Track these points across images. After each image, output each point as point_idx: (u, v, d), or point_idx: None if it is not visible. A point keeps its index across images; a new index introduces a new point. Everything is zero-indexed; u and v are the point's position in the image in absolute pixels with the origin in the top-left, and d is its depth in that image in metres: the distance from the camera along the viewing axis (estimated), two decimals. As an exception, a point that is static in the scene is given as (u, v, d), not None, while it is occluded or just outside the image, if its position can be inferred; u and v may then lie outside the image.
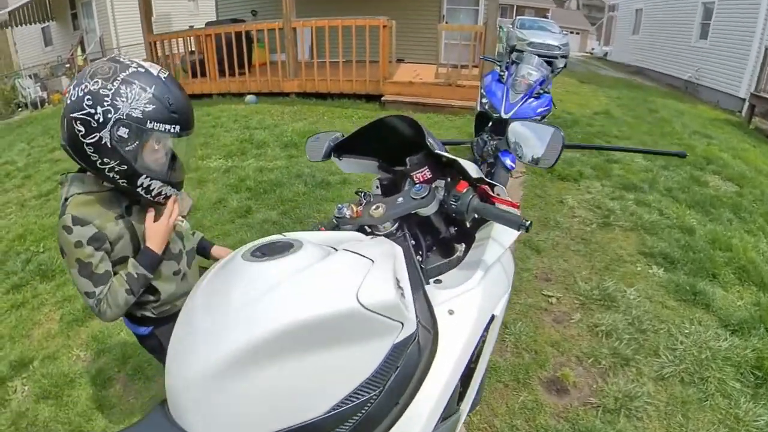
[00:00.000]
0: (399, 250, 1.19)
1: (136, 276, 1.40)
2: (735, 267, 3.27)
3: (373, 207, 1.28)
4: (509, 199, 1.36)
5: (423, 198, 1.22)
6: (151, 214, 1.43)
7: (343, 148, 1.51)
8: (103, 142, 1.22)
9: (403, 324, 0.98)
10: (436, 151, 1.22)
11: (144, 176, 1.32)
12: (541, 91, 3.50)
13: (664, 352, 2.51)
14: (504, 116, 3.35)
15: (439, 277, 1.27)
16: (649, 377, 2.39)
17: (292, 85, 7.83)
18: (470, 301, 1.22)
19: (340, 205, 1.34)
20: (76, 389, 2.47)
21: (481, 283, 1.24)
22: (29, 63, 15.99)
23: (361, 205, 1.34)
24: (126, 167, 1.28)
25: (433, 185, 1.28)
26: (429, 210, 1.26)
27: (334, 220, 1.35)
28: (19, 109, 12.52)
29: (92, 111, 1.19)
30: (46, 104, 12.43)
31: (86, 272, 1.31)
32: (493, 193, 1.42)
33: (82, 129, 1.21)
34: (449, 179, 1.32)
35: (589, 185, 4.44)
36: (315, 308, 0.88)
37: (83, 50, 15.63)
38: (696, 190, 4.45)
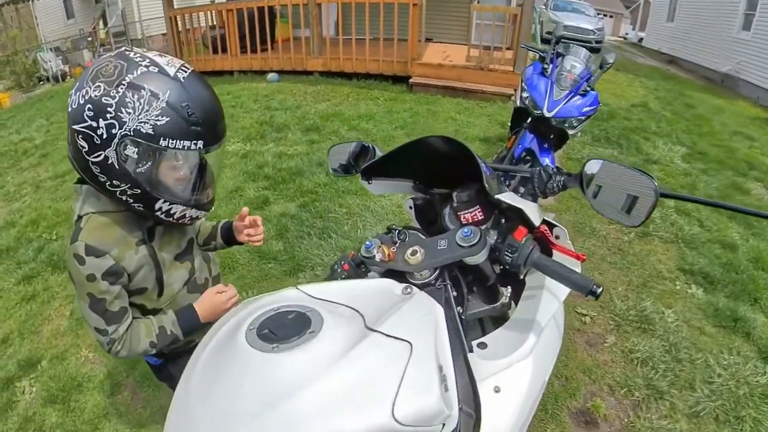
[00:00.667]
0: (440, 313, 1.03)
1: (168, 333, 1.28)
2: None
3: (410, 251, 1.10)
4: (571, 248, 1.17)
5: (472, 246, 1.05)
6: (217, 289, 1.37)
7: (373, 169, 1.32)
8: (109, 162, 1.05)
9: (444, 424, 0.83)
10: (495, 196, 1.03)
11: (162, 201, 1.14)
12: (588, 88, 3.20)
13: (700, 386, 2.38)
14: (547, 114, 3.11)
15: (484, 340, 1.10)
16: (683, 413, 2.27)
17: (315, 63, 7.59)
18: (520, 374, 1.06)
19: (369, 242, 1.17)
20: (84, 394, 2.41)
21: (533, 350, 1.09)
22: (51, 36, 15.81)
23: (394, 245, 1.16)
24: (139, 191, 1.10)
25: (484, 227, 1.10)
26: (478, 259, 1.08)
27: (360, 256, 1.18)
28: (41, 82, 12.42)
29: (94, 124, 1.01)
30: (68, 78, 12.32)
31: (99, 309, 1.16)
32: (553, 235, 1.24)
33: (85, 145, 1.04)
34: (503, 220, 1.14)
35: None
36: (342, 428, 0.72)
37: (105, 23, 15.45)
38: (738, 200, 4.20)
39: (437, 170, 1.26)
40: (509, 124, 3.90)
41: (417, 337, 0.90)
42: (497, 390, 1.02)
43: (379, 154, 1.42)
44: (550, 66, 3.29)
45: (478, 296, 1.17)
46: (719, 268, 3.25)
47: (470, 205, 1.13)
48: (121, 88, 1.00)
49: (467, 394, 0.98)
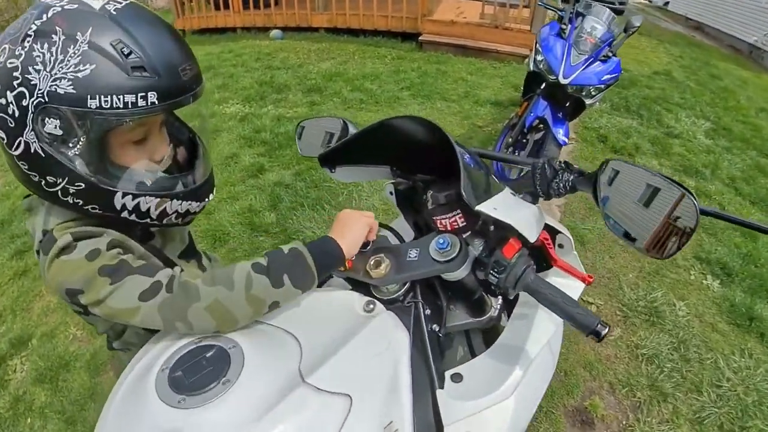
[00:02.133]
0: (403, 345, 0.86)
1: (287, 253, 0.84)
2: None
3: (372, 261, 0.93)
4: (577, 262, 0.97)
5: (449, 261, 0.87)
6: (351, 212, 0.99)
7: (335, 156, 1.12)
8: (32, 151, 0.77)
9: None
10: (477, 207, 0.82)
11: (121, 193, 0.82)
12: (610, 54, 2.89)
13: (707, 389, 2.24)
14: (562, 81, 2.82)
15: (460, 370, 0.93)
16: (686, 418, 2.13)
17: (321, 19, 7.18)
18: (498, 418, 0.89)
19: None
20: (71, 373, 2.36)
21: (517, 389, 0.91)
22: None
23: (362, 248, 0.98)
24: (83, 185, 0.79)
25: (464, 238, 0.90)
26: (457, 275, 0.90)
27: None
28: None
29: (2, 101, 0.75)
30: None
31: (125, 271, 0.79)
32: (555, 244, 1.04)
33: (3, 135, 0.78)
34: (492, 227, 0.93)
35: (646, 163, 3.91)
36: None
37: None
38: (761, 184, 3.92)
39: (415, 155, 1.05)
40: (522, 88, 3.62)
41: (362, 387, 0.73)
42: None
43: (352, 131, 1.19)
44: (569, 27, 2.97)
45: (462, 306, 0.99)
46: (738, 259, 3.04)
47: (448, 208, 0.93)
48: (27, 41, 0.73)
49: None
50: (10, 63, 0.74)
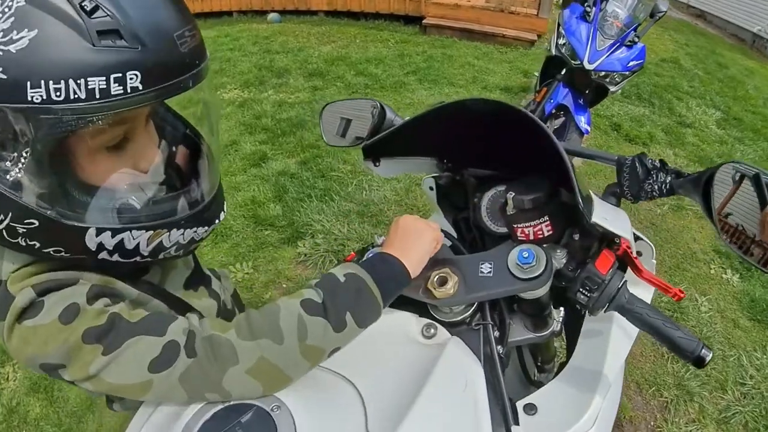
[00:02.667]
0: (480, 382, 0.74)
1: (344, 282, 0.66)
2: None
3: (437, 277, 0.79)
4: (663, 281, 0.85)
5: (534, 279, 0.74)
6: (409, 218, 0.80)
7: (380, 149, 0.97)
8: None
9: None
10: (593, 220, 0.69)
11: (95, 230, 0.57)
12: (636, 39, 2.76)
13: (731, 388, 2.20)
14: (588, 66, 2.69)
15: (533, 401, 0.82)
16: (712, 418, 2.09)
17: (320, 2, 6.94)
18: None
19: (372, 253, 0.85)
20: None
21: (598, 418, 0.81)
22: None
23: None
24: (35, 221, 0.54)
25: (549, 251, 0.78)
26: (538, 293, 0.78)
27: None
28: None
29: None
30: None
31: (122, 333, 0.57)
32: (633, 251, 0.92)
33: None
34: (577, 238, 0.80)
35: (660, 153, 3.83)
36: None
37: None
38: None
39: (479, 145, 0.92)
40: (536, 74, 3.46)
41: None
42: None
43: (391, 117, 1.03)
44: (593, 9, 2.82)
45: (522, 320, 0.87)
46: (757, 251, 2.95)
47: (534, 215, 0.79)
48: None
49: None
50: None
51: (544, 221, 0.77)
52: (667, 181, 0.81)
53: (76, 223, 0.56)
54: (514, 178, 0.85)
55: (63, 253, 0.58)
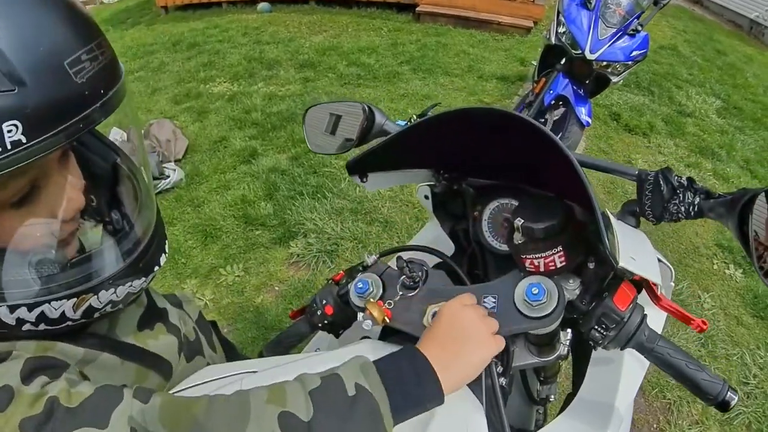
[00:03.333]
0: (481, 427, 0.66)
1: (351, 396, 0.53)
2: None
3: (433, 311, 0.71)
4: (683, 310, 0.77)
5: (543, 318, 0.66)
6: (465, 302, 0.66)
7: (368, 163, 0.88)
8: None
9: None
10: (622, 264, 0.60)
11: (7, 308, 0.49)
12: (639, 28, 2.66)
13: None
14: (589, 56, 2.60)
15: None
16: (715, 419, 2.07)
17: (311, -11, 6.81)
18: None
19: (361, 282, 0.77)
20: None
21: None
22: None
23: (407, 290, 0.75)
24: None
25: (560, 283, 0.69)
26: (545, 330, 0.71)
27: (352, 298, 0.78)
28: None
29: None
30: None
31: (60, 424, 0.47)
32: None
33: None
34: (592, 267, 0.71)
35: (661, 143, 3.77)
36: None
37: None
38: None
39: (478, 155, 0.83)
40: (533, 62, 3.36)
41: None
42: None
43: (380, 121, 0.94)
44: None
45: (525, 345, 0.80)
46: (759, 247, 2.91)
47: (546, 245, 0.69)
48: None
49: None
50: None
51: (557, 252, 0.68)
52: (696, 202, 0.71)
53: None
54: (519, 191, 0.76)
55: None
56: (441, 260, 0.89)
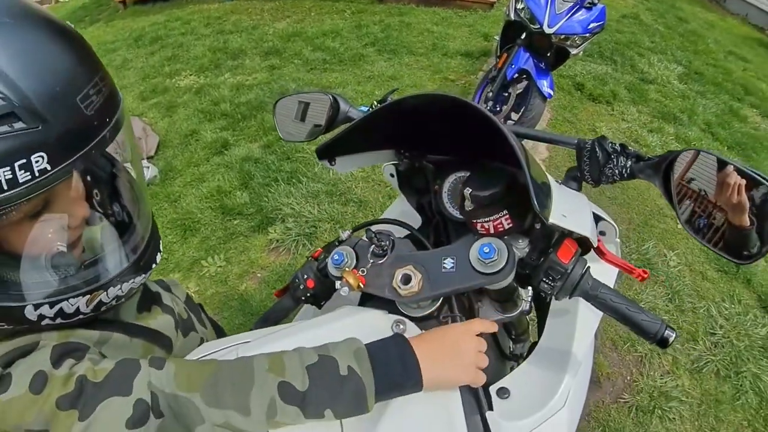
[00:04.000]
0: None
1: (343, 376, 0.61)
2: None
3: (401, 275, 0.77)
4: (626, 262, 0.86)
5: (495, 273, 0.73)
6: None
7: (335, 147, 0.94)
8: None
9: None
10: (551, 221, 0.68)
11: (32, 306, 0.58)
12: (595, 1, 2.74)
13: (702, 338, 2.30)
14: (547, 30, 2.67)
15: (506, 384, 0.82)
16: (685, 368, 2.19)
17: (272, -26, 6.68)
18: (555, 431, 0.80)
19: (337, 255, 0.84)
20: None
21: (569, 397, 0.82)
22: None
23: (377, 258, 0.83)
24: None
25: (510, 243, 0.77)
26: (500, 285, 0.78)
27: (330, 269, 0.86)
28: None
29: None
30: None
31: (91, 397, 0.56)
32: (596, 228, 0.93)
33: None
34: (538, 227, 0.79)
35: (624, 111, 3.87)
36: None
37: None
38: (736, 128, 3.96)
39: (434, 134, 0.90)
40: (496, 37, 3.43)
41: None
42: None
43: (345, 109, 1.04)
44: None
45: (491, 302, 0.88)
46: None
47: (493, 210, 0.76)
48: None
49: None
50: None
51: (503, 215, 0.75)
52: (628, 165, 0.81)
53: (10, 304, 0.56)
54: (473, 163, 0.84)
55: (6, 326, 0.58)
56: (409, 231, 0.97)
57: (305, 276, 0.92)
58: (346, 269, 0.81)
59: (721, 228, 0.72)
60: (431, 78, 4.21)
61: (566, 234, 0.75)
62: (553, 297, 0.77)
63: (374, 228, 0.86)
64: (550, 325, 0.91)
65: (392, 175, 1.08)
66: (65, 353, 0.59)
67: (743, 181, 0.67)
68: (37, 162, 0.48)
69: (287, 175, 3.09)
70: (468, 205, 0.78)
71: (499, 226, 0.76)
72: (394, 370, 0.63)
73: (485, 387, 0.80)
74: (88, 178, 0.65)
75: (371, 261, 0.81)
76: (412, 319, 0.78)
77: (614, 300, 0.71)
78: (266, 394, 0.58)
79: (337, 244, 0.89)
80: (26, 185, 0.48)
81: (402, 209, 1.15)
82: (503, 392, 0.80)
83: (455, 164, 0.93)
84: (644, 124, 3.75)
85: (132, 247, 0.66)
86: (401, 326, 0.76)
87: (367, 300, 0.86)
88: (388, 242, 0.82)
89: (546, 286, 0.73)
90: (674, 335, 0.68)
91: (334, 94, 1.04)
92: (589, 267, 0.73)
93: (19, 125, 0.46)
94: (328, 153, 0.94)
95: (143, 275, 0.68)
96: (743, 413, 2.06)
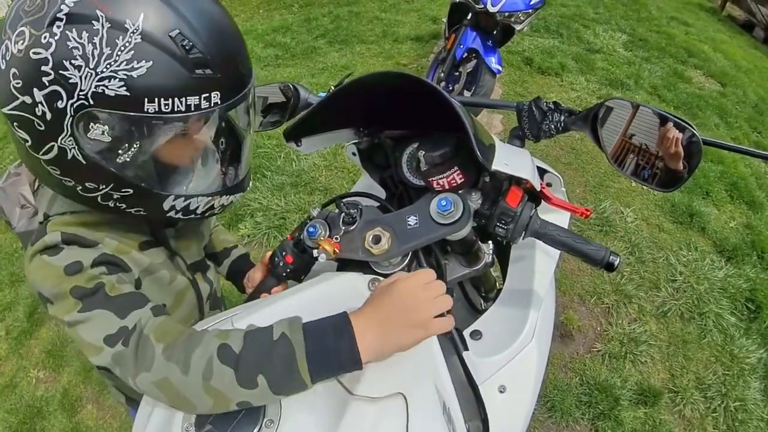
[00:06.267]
0: None
1: (274, 340, 0.63)
2: (727, 183, 3.14)
3: (371, 237, 0.84)
4: (568, 202, 0.94)
5: (454, 223, 0.80)
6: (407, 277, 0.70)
7: (300, 129, 1.00)
8: (70, 157, 0.66)
9: None
10: (493, 168, 0.76)
11: (173, 197, 0.74)
12: None
13: (664, 285, 2.43)
14: (491, 9, 2.77)
15: (478, 327, 0.90)
16: (651, 314, 2.32)
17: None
18: (525, 364, 0.89)
19: (311, 227, 0.89)
20: (47, 419, 2.15)
21: (536, 331, 0.90)
22: None
23: (347, 226, 0.88)
24: (131, 190, 0.71)
25: (465, 196, 0.84)
26: (461, 234, 0.85)
27: (306, 241, 0.91)
28: None
29: (28, 100, 0.61)
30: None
31: (96, 301, 0.69)
32: (544, 182, 1.00)
33: (26, 136, 0.65)
34: (488, 180, 0.86)
35: (573, 81, 4.00)
36: None
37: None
38: (681, 89, 4.13)
39: (387, 111, 0.96)
40: (444, 20, 3.50)
41: (410, 380, 0.67)
42: (503, 390, 0.85)
43: (305, 96, 1.14)
44: None
45: (456, 258, 0.95)
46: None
47: (445, 167, 0.84)
48: (58, 27, 0.59)
49: (471, 407, 0.80)
50: (35, 53, 0.59)
51: (455, 171, 0.82)
52: (561, 120, 0.92)
53: (160, 192, 0.73)
54: (426, 135, 0.90)
55: (141, 212, 0.75)
56: (377, 203, 1.03)
57: (283, 253, 0.97)
58: (321, 239, 0.86)
59: (659, 172, 0.83)
60: (383, 65, 4.25)
61: (512, 182, 0.82)
62: (510, 241, 0.84)
63: (343, 201, 0.92)
64: (511, 270, 0.98)
65: (354, 154, 1.14)
66: (105, 262, 0.73)
67: (680, 135, 0.77)
68: (214, 96, 0.67)
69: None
70: (423, 166, 0.85)
71: (452, 181, 0.83)
72: (329, 343, 0.63)
73: (460, 332, 0.87)
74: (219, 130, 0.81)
75: (343, 228, 0.87)
76: (385, 276, 0.83)
77: (561, 235, 0.79)
78: (207, 352, 0.62)
79: (309, 221, 0.94)
80: (204, 110, 0.67)
81: (366, 185, 1.21)
82: (476, 334, 0.87)
83: (410, 137, 1.00)
84: (593, 92, 3.88)
85: (240, 170, 0.85)
86: (376, 283, 0.81)
87: (344, 268, 0.92)
88: (356, 210, 0.88)
89: (500, 230, 0.81)
90: (618, 259, 0.76)
91: (294, 83, 1.14)
92: (536, 210, 0.81)
93: (208, 72, 0.65)
94: (294, 135, 1.00)
95: (241, 193, 0.86)
96: (710, 350, 2.19)
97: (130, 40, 0.60)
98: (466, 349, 0.83)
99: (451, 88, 3.09)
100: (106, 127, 0.64)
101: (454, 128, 0.77)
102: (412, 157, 0.99)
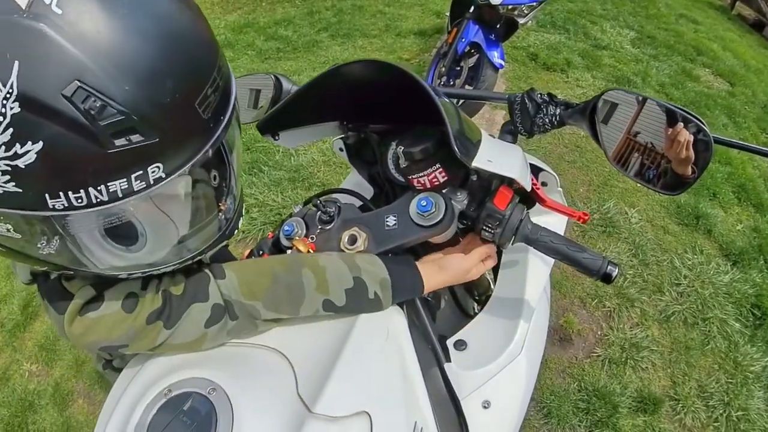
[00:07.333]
0: (402, 328, 0.75)
1: (371, 299, 0.73)
2: (734, 185, 3.04)
3: (347, 237, 0.79)
4: (564, 201, 0.88)
5: (435, 225, 0.75)
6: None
7: (276, 122, 0.93)
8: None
9: None
10: (473, 165, 0.69)
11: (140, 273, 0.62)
12: None
13: (668, 289, 2.36)
14: (494, 2, 2.70)
15: (463, 337, 0.85)
16: (653, 319, 2.25)
17: (219, -35, 6.53)
18: (512, 378, 0.83)
19: (287, 226, 0.86)
20: (39, 413, 2.17)
21: (525, 343, 0.84)
22: None
23: (324, 224, 0.84)
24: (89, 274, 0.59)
25: (449, 196, 0.78)
26: (444, 237, 0.80)
27: (281, 240, 0.87)
28: None
29: None
30: None
31: (176, 307, 0.66)
32: (539, 182, 0.95)
33: None
34: (475, 179, 0.80)
35: (579, 77, 3.91)
36: None
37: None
38: (689, 87, 4.04)
39: (368, 104, 0.91)
40: (447, 14, 3.43)
41: (377, 396, 0.62)
42: (487, 406, 0.79)
43: (288, 88, 1.07)
44: None
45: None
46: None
47: (426, 164, 0.78)
48: None
49: (451, 424, 0.74)
50: None
51: (437, 169, 0.77)
52: (557, 113, 0.85)
53: (114, 273, 0.59)
54: (411, 127, 0.85)
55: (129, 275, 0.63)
56: (360, 201, 0.98)
57: (260, 251, 0.94)
58: (297, 238, 0.82)
59: (665, 175, 0.76)
60: (385, 59, 4.14)
61: (503, 182, 0.76)
62: (500, 247, 0.78)
63: (322, 198, 0.87)
64: (502, 275, 0.93)
65: (341, 149, 1.09)
66: (148, 276, 0.64)
67: (691, 137, 0.70)
68: (153, 172, 0.47)
69: (248, 166, 3.04)
70: (403, 163, 0.79)
71: (434, 180, 0.77)
72: (407, 294, 0.76)
73: (443, 342, 0.81)
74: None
75: (320, 227, 0.83)
76: None
77: (555, 242, 0.73)
78: (313, 307, 0.70)
79: (289, 217, 0.90)
80: (141, 193, 0.47)
81: (355, 182, 1.16)
82: (460, 344, 0.82)
83: (397, 132, 0.95)
84: (599, 89, 3.74)
85: (225, 218, 0.66)
86: None
87: None
88: (334, 208, 0.84)
89: (487, 233, 0.75)
90: (617, 270, 0.71)
91: (277, 73, 1.07)
92: (527, 212, 0.75)
93: (136, 138, 0.44)
94: (269, 127, 0.93)
95: (226, 240, 0.69)
96: (713, 357, 2.13)
97: (3, 111, 0.40)
98: (449, 360, 0.78)
99: (452, 83, 3.02)
100: (9, 225, 0.47)
101: (438, 122, 0.71)
102: (395, 152, 0.95)
